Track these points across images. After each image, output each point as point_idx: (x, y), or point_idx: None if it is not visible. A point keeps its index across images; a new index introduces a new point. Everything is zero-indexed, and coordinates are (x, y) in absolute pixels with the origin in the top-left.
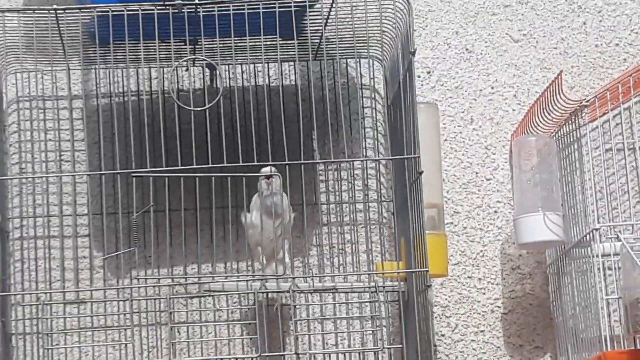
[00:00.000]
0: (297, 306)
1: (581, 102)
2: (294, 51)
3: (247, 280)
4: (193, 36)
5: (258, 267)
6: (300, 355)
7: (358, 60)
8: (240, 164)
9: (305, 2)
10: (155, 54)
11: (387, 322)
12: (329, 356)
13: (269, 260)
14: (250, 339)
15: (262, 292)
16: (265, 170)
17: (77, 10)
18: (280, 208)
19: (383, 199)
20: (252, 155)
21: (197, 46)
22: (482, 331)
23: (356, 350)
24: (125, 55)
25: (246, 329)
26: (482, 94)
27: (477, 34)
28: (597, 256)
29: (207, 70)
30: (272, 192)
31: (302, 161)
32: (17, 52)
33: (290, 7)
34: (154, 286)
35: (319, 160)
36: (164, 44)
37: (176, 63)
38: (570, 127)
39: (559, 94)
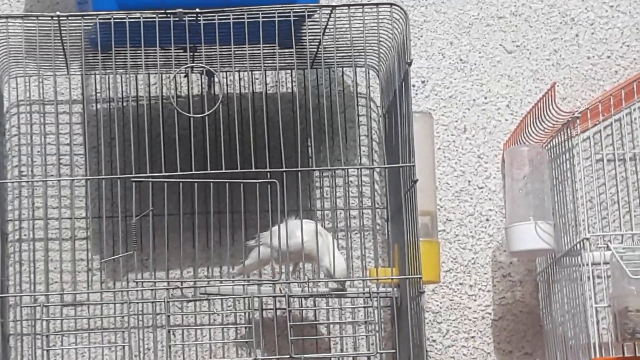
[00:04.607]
0: (291, 311)
1: (573, 114)
2: (292, 59)
3: (242, 285)
4: (193, 44)
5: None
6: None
7: (354, 69)
8: (238, 170)
9: (304, 11)
10: (156, 61)
11: (380, 327)
12: None
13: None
14: (246, 342)
15: (257, 297)
16: None
17: (80, 18)
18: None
19: (377, 206)
20: (249, 162)
21: (196, 53)
22: (472, 337)
23: (349, 354)
24: (125, 62)
25: (241, 332)
26: (476, 103)
27: (471, 45)
28: (587, 265)
29: (205, 77)
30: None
31: (298, 168)
32: (19, 57)
33: (289, 16)
34: (150, 289)
35: (315, 168)
36: (164, 51)
37: (176, 70)
38: (562, 138)
39: (552, 105)
